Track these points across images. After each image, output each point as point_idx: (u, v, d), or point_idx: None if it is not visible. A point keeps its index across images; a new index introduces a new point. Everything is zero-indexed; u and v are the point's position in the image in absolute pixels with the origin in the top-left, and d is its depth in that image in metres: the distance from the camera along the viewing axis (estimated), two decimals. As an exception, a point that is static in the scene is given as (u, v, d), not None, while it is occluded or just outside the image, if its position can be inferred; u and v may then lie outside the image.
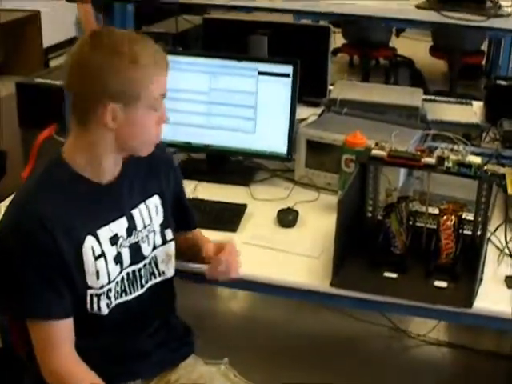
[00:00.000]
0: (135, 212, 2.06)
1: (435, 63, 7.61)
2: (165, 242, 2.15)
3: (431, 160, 2.28)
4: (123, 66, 1.83)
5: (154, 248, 2.11)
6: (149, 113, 1.91)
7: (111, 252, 1.97)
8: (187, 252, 2.28)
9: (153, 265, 2.11)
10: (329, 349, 3.52)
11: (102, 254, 1.94)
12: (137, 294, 2.06)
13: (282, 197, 2.78)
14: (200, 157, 3.09)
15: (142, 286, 2.08)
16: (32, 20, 6.78)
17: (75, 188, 1.91)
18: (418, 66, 7.46)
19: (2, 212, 1.94)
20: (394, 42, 7.61)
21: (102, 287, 1.95)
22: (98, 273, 1.93)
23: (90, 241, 1.91)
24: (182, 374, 2.21)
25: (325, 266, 2.30)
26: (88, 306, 1.94)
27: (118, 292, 2.01)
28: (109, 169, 1.96)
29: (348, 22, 6.59)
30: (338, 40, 7.36)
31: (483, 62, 6.96)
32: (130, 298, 2.05)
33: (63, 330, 1.90)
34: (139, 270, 2.06)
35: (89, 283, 1.92)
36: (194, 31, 4.60)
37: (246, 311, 3.83)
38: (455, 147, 2.35)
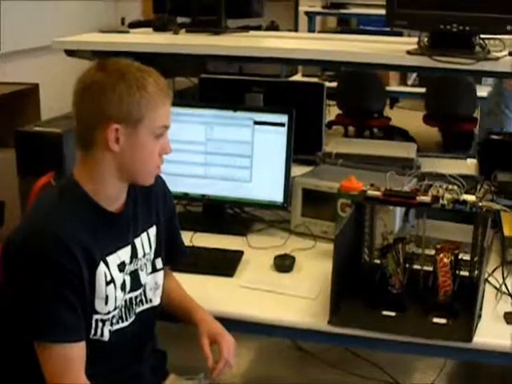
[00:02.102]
0: (137, 241, 2.09)
1: (429, 133, 7.69)
2: (154, 270, 2.17)
3: (426, 198, 2.30)
4: (129, 89, 1.87)
5: (147, 275, 2.14)
6: (151, 139, 1.94)
7: (119, 279, 1.99)
8: (169, 307, 2.30)
9: (142, 292, 2.12)
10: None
11: (112, 281, 1.96)
12: (130, 320, 2.07)
13: (279, 245, 2.79)
14: (197, 209, 3.11)
15: (134, 313, 2.09)
16: (30, 93, 6.82)
17: (88, 212, 1.94)
18: (412, 135, 7.54)
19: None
20: (389, 113, 7.71)
21: (108, 313, 1.96)
22: (106, 298, 1.94)
23: (102, 266, 1.93)
24: None
25: (322, 307, 2.29)
26: (92, 331, 1.94)
27: (116, 318, 2.02)
28: (114, 195, 1.99)
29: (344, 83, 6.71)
30: (332, 112, 7.47)
31: (476, 130, 7.02)
32: (125, 324, 2.05)
33: (80, 353, 1.88)
34: (136, 297, 2.08)
35: (96, 308, 1.93)
36: (191, 91, 4.68)
37: (241, 365, 3.79)
38: (450, 187, 2.37)
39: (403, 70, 5.19)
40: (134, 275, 2.07)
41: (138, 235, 2.09)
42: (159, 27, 3.71)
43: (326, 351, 3.64)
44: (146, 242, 2.12)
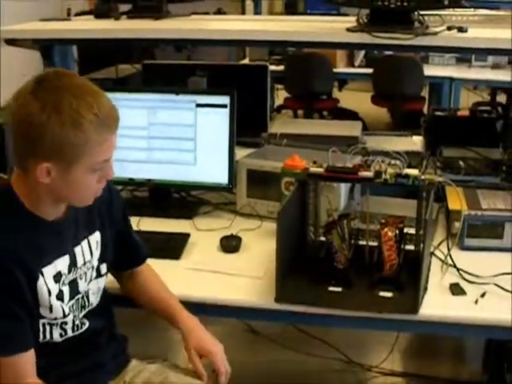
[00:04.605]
0: (77, 249, 2.01)
1: (378, 114, 7.74)
2: (99, 275, 2.11)
3: (369, 173, 2.30)
4: (62, 127, 1.72)
5: (90, 282, 2.07)
6: (88, 174, 1.82)
7: (55, 290, 1.92)
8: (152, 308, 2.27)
9: (85, 298, 2.06)
10: (283, 386, 3.48)
11: (49, 292, 1.89)
12: (86, 325, 2.04)
13: (225, 226, 2.77)
14: (143, 195, 3.09)
15: (83, 317, 2.05)
16: None
17: (23, 222, 1.86)
18: (362, 116, 7.57)
19: None
20: (338, 95, 7.73)
21: (55, 319, 1.92)
22: (51, 307, 1.90)
23: (41, 278, 1.86)
24: (135, 374, 2.22)
25: (269, 285, 2.28)
26: (40, 335, 1.91)
27: (77, 326, 2.00)
28: (49, 210, 1.90)
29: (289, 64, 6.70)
30: (281, 96, 7.47)
31: (425, 110, 7.05)
32: (83, 330, 2.03)
33: (29, 360, 1.84)
34: (72, 305, 2.00)
35: (42, 314, 1.89)
36: (134, 77, 4.64)
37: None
38: (392, 162, 2.38)
39: (343, 48, 5.25)
40: (73, 284, 2.00)
41: (78, 243, 2.01)
42: (100, 14, 3.66)
43: (279, 333, 3.65)
44: (86, 249, 2.04)
